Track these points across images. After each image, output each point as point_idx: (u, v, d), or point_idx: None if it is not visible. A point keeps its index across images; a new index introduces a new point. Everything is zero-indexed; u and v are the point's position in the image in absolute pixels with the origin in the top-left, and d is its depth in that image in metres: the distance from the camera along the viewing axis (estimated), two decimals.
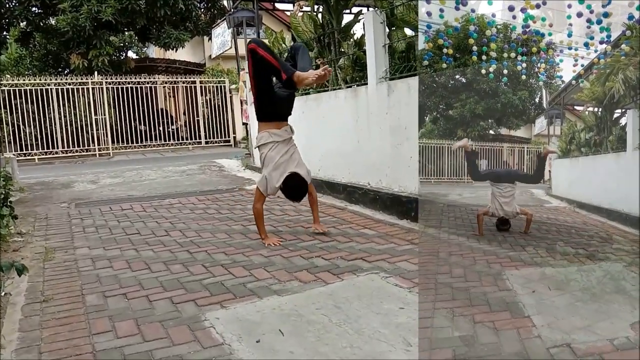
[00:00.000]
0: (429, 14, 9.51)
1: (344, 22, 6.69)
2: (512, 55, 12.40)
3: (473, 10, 10.39)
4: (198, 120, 16.51)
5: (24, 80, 14.04)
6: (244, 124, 13.17)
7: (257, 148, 4.39)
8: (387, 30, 5.60)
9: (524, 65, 13.33)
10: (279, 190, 4.28)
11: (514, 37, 13.31)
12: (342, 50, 6.51)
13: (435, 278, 3.41)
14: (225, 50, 18.53)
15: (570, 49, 11.27)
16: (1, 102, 13.56)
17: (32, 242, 4.65)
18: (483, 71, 13.39)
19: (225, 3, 12.98)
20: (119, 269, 3.68)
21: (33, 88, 13.91)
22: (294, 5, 9.51)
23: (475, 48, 12.25)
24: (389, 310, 2.74)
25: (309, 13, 7.05)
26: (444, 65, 15.43)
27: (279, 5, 11.69)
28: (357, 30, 6.88)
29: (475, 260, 3.83)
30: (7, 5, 14.70)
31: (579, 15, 8.92)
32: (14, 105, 13.73)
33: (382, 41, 5.51)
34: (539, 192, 14.26)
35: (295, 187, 4.26)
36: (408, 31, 6.16)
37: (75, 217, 5.72)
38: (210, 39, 19.69)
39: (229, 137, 16.86)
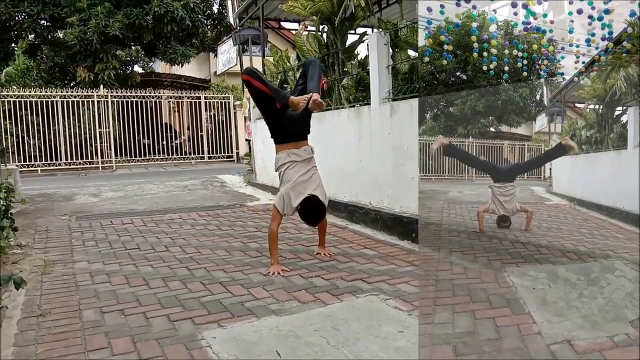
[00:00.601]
0: (429, 9, 9.57)
1: (348, 43, 6.75)
2: (514, 52, 12.45)
3: (474, 7, 10.42)
4: (201, 135, 16.58)
5: (29, 92, 14.16)
6: (247, 140, 13.23)
7: (276, 171, 4.23)
8: (391, 51, 5.64)
9: (525, 62, 13.38)
10: (296, 212, 4.14)
11: (515, 34, 13.36)
12: (346, 70, 6.56)
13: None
14: (231, 67, 18.69)
15: (571, 45, 11.31)
16: (7, 113, 13.64)
17: (31, 255, 4.64)
18: (484, 68, 13.43)
19: (231, 21, 13.13)
20: (117, 284, 3.67)
21: (39, 100, 14.02)
22: (299, 25, 9.62)
23: (476, 45, 12.32)
24: (388, 333, 2.71)
25: (314, 33, 7.12)
26: (445, 62, 15.53)
27: (284, 24, 11.80)
28: (361, 51, 6.92)
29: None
30: (17, 18, 14.89)
31: (580, 11, 8.94)
32: (19, 117, 13.82)
33: (385, 62, 5.54)
34: (539, 189, 14.28)
35: (312, 210, 4.09)
36: (412, 53, 6.20)
37: (75, 230, 5.72)
38: (215, 55, 19.88)
39: (231, 152, 16.91)
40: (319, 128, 6.85)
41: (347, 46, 6.65)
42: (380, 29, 6.06)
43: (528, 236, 6.49)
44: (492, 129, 21.57)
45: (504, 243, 6.02)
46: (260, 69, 10.33)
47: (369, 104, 5.73)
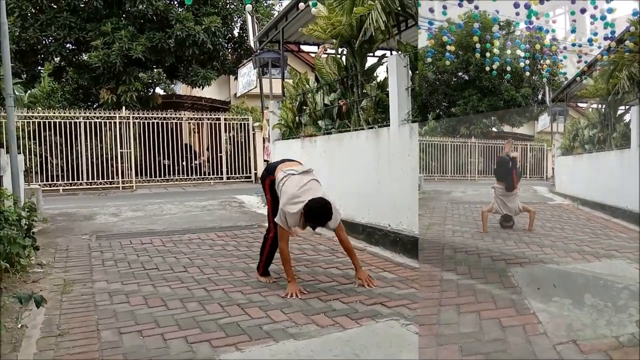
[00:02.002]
0: (431, 10, 9.56)
1: (367, 65, 6.78)
2: (516, 52, 12.33)
3: (476, 7, 10.38)
4: (220, 156, 16.73)
5: (54, 113, 14.47)
6: (265, 160, 13.30)
7: (277, 190, 4.15)
8: (410, 73, 5.64)
9: (527, 62, 13.27)
10: (307, 226, 3.93)
11: (518, 34, 13.27)
12: (365, 91, 6.57)
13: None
14: (251, 90, 18.92)
15: (574, 45, 11.18)
16: (31, 133, 13.95)
17: (51, 274, 4.67)
18: (487, 68, 13.36)
19: (252, 44, 13.34)
20: (136, 305, 3.66)
21: (62, 121, 14.32)
22: (318, 48, 9.71)
23: (478, 45, 12.27)
24: None
25: (333, 55, 7.17)
26: (447, 63, 15.42)
27: (304, 47, 11.95)
28: (380, 73, 6.95)
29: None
30: (44, 42, 15.33)
31: (583, 11, 8.84)
32: (42, 137, 14.11)
33: (405, 84, 5.55)
34: (542, 189, 14.06)
35: (319, 210, 3.80)
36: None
37: (95, 250, 5.76)
38: (236, 78, 20.16)
39: (250, 173, 17.00)
40: (338, 149, 6.86)
41: (366, 68, 6.68)
42: (400, 52, 6.09)
43: (531, 236, 6.43)
44: (494, 129, 21.44)
45: (508, 243, 5.97)
46: (279, 91, 10.44)
47: (388, 125, 5.72)
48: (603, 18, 8.49)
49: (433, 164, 19.17)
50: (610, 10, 8.26)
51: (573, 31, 10.30)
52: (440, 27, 11.56)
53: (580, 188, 10.71)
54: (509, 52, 12.23)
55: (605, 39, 9.26)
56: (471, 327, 2.49)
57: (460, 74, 18.94)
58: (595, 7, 8.45)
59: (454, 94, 19.03)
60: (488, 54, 12.20)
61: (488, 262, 4.24)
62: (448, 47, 12.31)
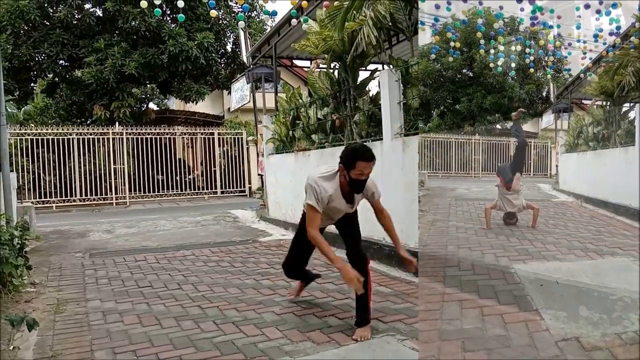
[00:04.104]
0: (437, 6, 9.63)
1: (359, 79, 6.83)
2: (520, 48, 12.40)
3: (480, 3, 10.46)
4: (215, 171, 16.70)
5: (46, 129, 14.43)
6: (259, 174, 13.29)
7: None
8: (402, 87, 5.68)
9: (532, 58, 13.32)
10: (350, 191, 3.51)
11: (522, 30, 13.35)
12: (358, 106, 6.61)
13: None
14: (244, 104, 18.97)
15: (578, 41, 11.25)
16: (24, 150, 13.89)
17: (44, 293, 4.63)
18: (492, 65, 13.41)
19: (244, 59, 13.39)
20: (130, 324, 3.63)
21: (55, 137, 14.27)
22: (311, 63, 9.77)
23: (482, 42, 12.31)
24: None
25: (325, 70, 7.22)
26: (451, 59, 15.50)
27: (296, 62, 12.02)
28: (373, 87, 7.00)
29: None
30: (37, 59, 15.33)
31: (587, 7, 8.90)
32: (35, 154, 14.05)
33: (397, 98, 5.59)
34: (545, 186, 14.10)
35: (363, 147, 3.44)
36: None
37: (89, 268, 5.72)
38: (229, 92, 20.21)
39: (244, 187, 16.97)
40: (331, 163, 6.85)
41: (358, 83, 6.72)
42: (391, 66, 6.14)
43: (535, 233, 6.46)
44: (498, 126, 21.48)
45: (511, 240, 5.99)
46: (272, 105, 10.47)
47: (381, 139, 5.75)
48: (608, 14, 8.51)
49: (437, 160, 19.25)
50: (615, 6, 8.30)
51: (578, 27, 10.32)
52: (444, 24, 11.64)
53: (584, 185, 10.70)
54: (513, 48, 12.31)
55: (611, 34, 9.29)
56: (473, 324, 2.49)
57: (464, 70, 19.02)
58: (601, 3, 8.47)
59: (458, 91, 19.10)
60: (492, 51, 12.26)
61: (491, 258, 4.25)
62: (452, 44, 12.39)
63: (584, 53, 11.40)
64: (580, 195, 10.48)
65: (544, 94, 19.85)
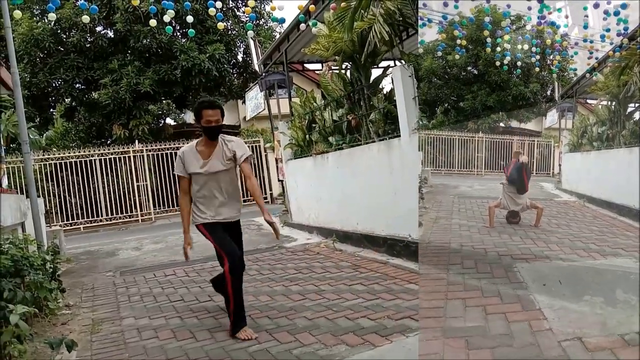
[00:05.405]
0: (445, 4, 9.58)
1: (372, 78, 6.81)
2: (526, 47, 12.24)
3: (488, 1, 10.39)
4: None
5: (69, 153, 14.72)
6: (279, 180, 13.34)
7: None
8: (416, 82, 5.65)
9: (538, 57, 13.16)
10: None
11: (529, 28, 13.17)
12: (372, 104, 6.59)
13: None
14: (259, 112, 19.06)
15: (585, 41, 11.06)
16: (49, 175, 14.19)
17: (79, 314, 4.71)
18: (497, 63, 13.28)
19: (256, 67, 13.46)
20: (165, 339, 3.68)
21: (78, 160, 14.55)
22: (322, 65, 9.78)
23: (489, 40, 12.18)
24: None
25: (337, 72, 7.21)
26: (457, 57, 15.39)
27: (308, 65, 12.04)
28: (386, 84, 6.98)
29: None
30: (54, 85, 15.66)
31: (596, 6, 8.76)
32: (60, 178, 14.34)
33: (411, 94, 5.56)
34: (548, 185, 13.87)
35: (208, 100, 4.01)
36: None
37: (120, 286, 5.80)
38: (244, 102, 20.34)
39: (265, 194, 17.05)
40: (351, 163, 6.86)
41: (371, 81, 6.70)
42: (403, 61, 6.10)
43: (538, 232, 6.40)
44: (502, 124, 21.29)
45: (514, 239, 5.93)
46: (287, 111, 10.50)
47: (399, 136, 5.72)
48: (617, 14, 8.43)
49: (440, 157, 19.15)
50: (624, 6, 8.22)
51: (585, 27, 10.20)
52: (451, 21, 11.58)
53: (587, 185, 10.61)
54: (519, 46, 12.19)
55: (619, 35, 9.19)
56: (477, 322, 2.47)
57: (469, 68, 18.89)
58: (609, 3, 8.41)
59: (462, 88, 18.97)
60: (498, 49, 12.17)
61: (494, 257, 4.21)
62: (458, 41, 12.31)
63: (591, 53, 11.25)
64: (583, 195, 10.37)
65: (549, 92, 19.59)
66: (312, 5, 7.47)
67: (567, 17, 10.96)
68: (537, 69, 15.71)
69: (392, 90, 6.13)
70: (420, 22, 9.71)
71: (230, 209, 3.97)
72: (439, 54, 15.66)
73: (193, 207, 3.95)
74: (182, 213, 3.97)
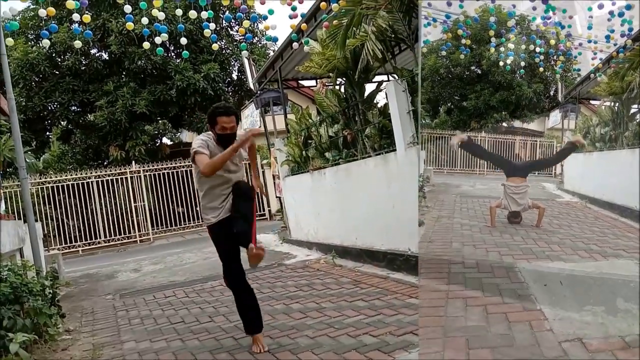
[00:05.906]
0: (449, 4, 9.66)
1: (366, 93, 6.87)
2: (530, 47, 12.33)
3: (492, 1, 10.49)
4: None
5: (66, 175, 14.72)
6: (277, 197, 13.34)
7: None
8: (410, 97, 5.70)
9: (541, 57, 13.25)
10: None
11: (534, 29, 13.27)
12: (367, 119, 6.64)
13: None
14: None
15: (589, 41, 11.15)
16: (46, 198, 14.16)
17: (79, 339, 4.68)
18: (501, 63, 13.36)
19: (251, 85, 13.56)
20: None
21: (75, 182, 14.54)
22: (316, 82, 9.86)
23: (494, 40, 12.27)
24: None
25: (332, 88, 7.27)
26: (462, 56, 15.51)
27: (302, 82, 12.12)
28: (380, 99, 7.04)
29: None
30: (49, 108, 15.73)
31: (601, 7, 8.83)
32: (57, 201, 14.31)
33: (405, 108, 5.60)
34: (550, 186, 13.90)
35: (223, 104, 3.83)
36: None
37: (120, 309, 5.77)
38: (239, 120, 20.41)
39: (263, 210, 17.04)
40: (348, 178, 6.89)
41: (365, 97, 6.76)
42: (396, 76, 6.16)
43: (539, 232, 6.41)
44: (504, 124, 21.40)
45: (515, 239, 5.93)
46: (283, 127, 10.55)
47: (395, 150, 5.75)
48: (621, 14, 8.51)
49: (443, 157, 19.26)
50: (629, 7, 8.31)
51: (589, 27, 10.31)
52: (455, 20, 11.71)
53: (589, 186, 10.63)
54: (523, 47, 12.32)
55: (623, 36, 9.27)
56: (478, 321, 2.47)
57: (472, 67, 19.06)
58: (614, 3, 8.48)
59: (465, 88, 19.12)
60: (502, 49, 12.27)
61: (496, 257, 4.22)
62: (463, 41, 12.43)
63: (595, 53, 11.35)
64: (585, 195, 10.40)
65: (552, 92, 19.75)
66: (304, 24, 7.55)
67: (571, 17, 11.03)
68: (541, 69, 15.85)
69: (386, 104, 6.18)
70: (424, 22, 9.81)
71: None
72: (443, 53, 15.83)
73: (202, 208, 3.85)
74: (216, 159, 3.49)
